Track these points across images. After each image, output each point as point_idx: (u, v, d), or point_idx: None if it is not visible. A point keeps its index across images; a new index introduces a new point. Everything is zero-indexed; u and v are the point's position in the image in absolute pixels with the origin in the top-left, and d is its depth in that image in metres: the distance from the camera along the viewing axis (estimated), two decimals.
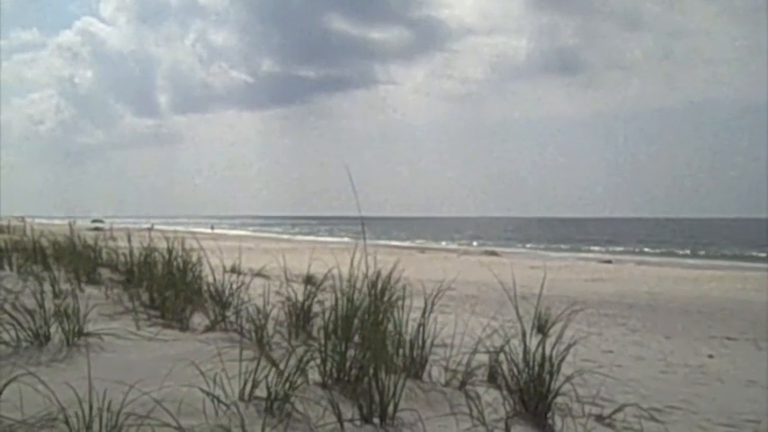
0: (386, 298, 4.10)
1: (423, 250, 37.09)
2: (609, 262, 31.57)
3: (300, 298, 4.51)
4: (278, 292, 4.80)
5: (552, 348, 3.27)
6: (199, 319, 4.76)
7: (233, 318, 4.48)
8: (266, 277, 7.48)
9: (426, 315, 3.61)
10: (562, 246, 50.59)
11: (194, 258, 5.85)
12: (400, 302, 3.88)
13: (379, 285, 4.55)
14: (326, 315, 3.65)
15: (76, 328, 3.81)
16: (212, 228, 73.74)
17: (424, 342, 3.60)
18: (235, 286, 5.14)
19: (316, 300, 4.44)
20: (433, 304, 3.67)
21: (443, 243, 53.63)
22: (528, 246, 51.39)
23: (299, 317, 4.44)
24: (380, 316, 3.54)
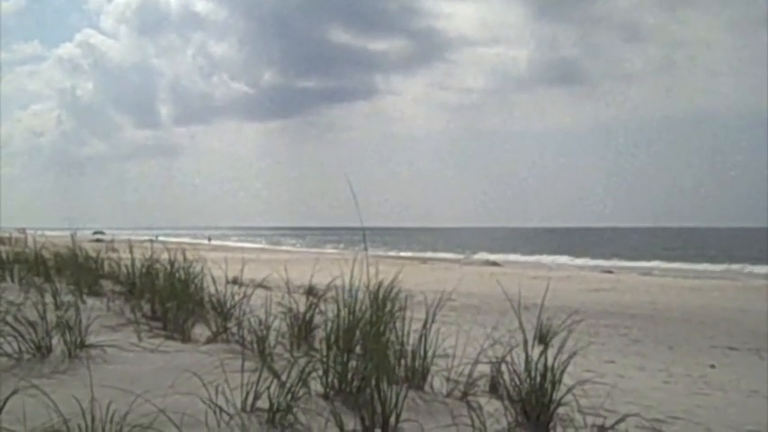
0: (387, 309, 4.10)
1: (424, 260, 37.06)
2: (610, 272, 31.56)
3: (302, 309, 4.52)
4: (279, 303, 4.80)
5: (554, 358, 3.27)
6: (200, 331, 4.76)
7: (235, 329, 4.48)
8: (268, 288, 7.48)
9: (428, 326, 3.61)
10: (564, 256, 50.47)
11: (196, 270, 5.86)
12: (402, 313, 3.88)
13: (381, 296, 4.55)
14: (328, 326, 3.66)
15: (78, 340, 3.82)
16: (209, 239, 73.17)
17: (425, 353, 3.60)
18: (236, 297, 5.15)
19: (317, 311, 4.45)
20: (434, 315, 3.67)
21: (445, 253, 53.56)
22: (529, 256, 51.29)
23: (301, 328, 4.44)
24: (382, 327, 3.55)
